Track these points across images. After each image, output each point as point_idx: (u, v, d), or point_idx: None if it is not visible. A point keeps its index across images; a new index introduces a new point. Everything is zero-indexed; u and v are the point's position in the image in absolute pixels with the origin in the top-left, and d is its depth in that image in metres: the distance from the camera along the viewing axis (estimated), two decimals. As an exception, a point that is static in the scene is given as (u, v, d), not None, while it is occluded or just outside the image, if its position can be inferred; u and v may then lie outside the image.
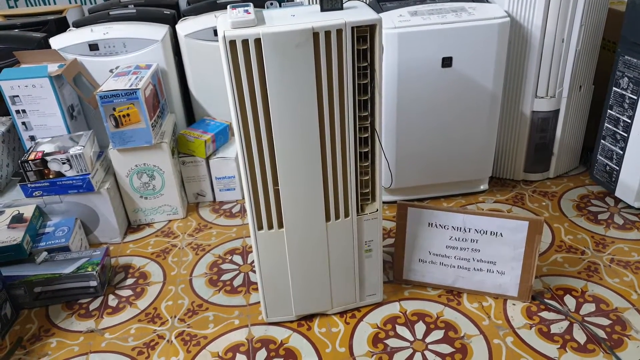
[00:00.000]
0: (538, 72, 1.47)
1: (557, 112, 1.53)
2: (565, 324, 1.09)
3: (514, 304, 1.16)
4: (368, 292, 1.17)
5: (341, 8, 0.92)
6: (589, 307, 1.13)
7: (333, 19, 0.88)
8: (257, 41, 0.85)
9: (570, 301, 1.15)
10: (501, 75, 1.40)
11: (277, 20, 0.89)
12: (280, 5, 0.99)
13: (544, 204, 1.52)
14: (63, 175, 1.36)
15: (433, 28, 1.31)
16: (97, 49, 1.54)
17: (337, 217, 1.05)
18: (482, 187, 1.60)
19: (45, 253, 1.29)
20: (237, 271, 1.33)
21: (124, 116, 1.37)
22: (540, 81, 1.48)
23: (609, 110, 1.46)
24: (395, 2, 1.45)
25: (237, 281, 1.29)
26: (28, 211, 1.36)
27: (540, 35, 1.41)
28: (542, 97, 1.50)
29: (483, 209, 1.52)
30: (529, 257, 1.13)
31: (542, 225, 1.11)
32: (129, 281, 1.32)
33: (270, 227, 1.03)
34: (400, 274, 1.24)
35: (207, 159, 1.58)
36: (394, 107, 1.39)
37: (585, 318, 1.10)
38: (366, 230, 1.09)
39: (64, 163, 1.35)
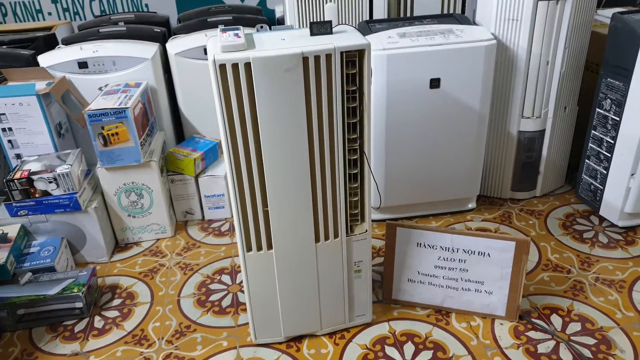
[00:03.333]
0: (524, 93, 1.49)
1: (543, 132, 1.56)
2: (552, 343, 1.10)
3: (501, 324, 1.16)
4: (357, 313, 1.16)
5: (330, 32, 0.94)
6: (574, 327, 1.14)
7: (322, 43, 0.89)
8: (247, 65, 0.86)
9: (556, 320, 1.16)
10: (488, 96, 1.42)
11: (267, 44, 0.90)
12: (270, 29, 1.00)
13: (530, 222, 1.54)
14: (49, 195, 1.35)
15: (421, 50, 1.33)
16: (87, 67, 1.53)
17: (326, 237, 1.05)
18: (470, 206, 1.61)
19: (29, 274, 1.27)
20: (226, 291, 1.32)
21: (112, 135, 1.37)
22: (526, 102, 1.51)
23: (592, 131, 1.48)
24: (385, 24, 1.48)
25: (226, 302, 1.28)
26: (12, 231, 1.34)
27: (525, 58, 1.44)
28: (528, 118, 1.53)
29: (471, 228, 1.53)
30: (516, 276, 1.14)
31: (529, 245, 1.12)
32: (116, 302, 1.30)
33: (260, 248, 1.03)
34: (390, 294, 1.24)
35: (197, 177, 1.58)
36: (383, 127, 1.41)
37: (572, 337, 1.11)
38: (355, 250, 1.09)
39: (50, 182, 1.34)
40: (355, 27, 0.99)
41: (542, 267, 1.35)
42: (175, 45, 1.60)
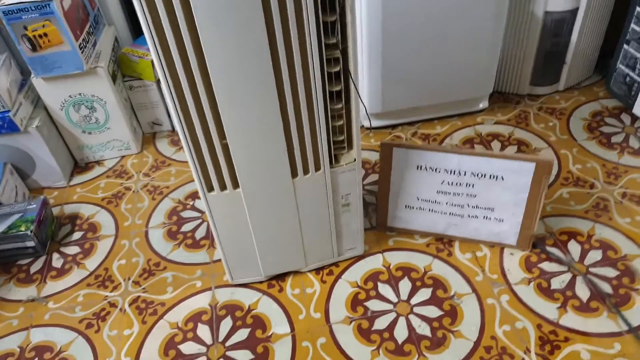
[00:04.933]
0: (556, -38, 1.18)
1: (575, 11, 1.27)
2: (568, 276, 0.96)
3: (511, 254, 1.02)
4: (347, 246, 1.01)
5: None
6: (594, 255, 0.99)
7: None
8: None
9: (574, 248, 1.01)
10: (510, -28, 1.12)
11: None
12: None
13: (550, 124, 1.32)
14: (-20, 115, 1.13)
15: None
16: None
17: (305, 171, 0.85)
18: (481, 106, 1.38)
19: (-29, 209, 1.11)
20: (200, 220, 1.16)
21: (40, 36, 1.11)
22: (558, -26, 1.20)
23: (637, 8, 1.20)
24: None
25: (200, 232, 1.13)
26: (-54, 159, 1.16)
27: None
28: (558, -5, 1.23)
29: (481, 133, 1.32)
30: (533, 202, 0.97)
31: (552, 167, 0.93)
32: (76, 235, 1.16)
33: (223, 187, 0.84)
34: (384, 222, 1.08)
35: (158, 81, 1.34)
36: (379, 21, 1.13)
37: (590, 269, 0.97)
38: (342, 183, 0.90)
39: (-24, 100, 1.11)
40: None
41: (562, 180, 1.16)
42: None
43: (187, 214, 1.18)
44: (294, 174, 0.85)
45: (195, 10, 0.63)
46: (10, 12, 1.06)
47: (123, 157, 1.37)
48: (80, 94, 1.22)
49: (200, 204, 1.20)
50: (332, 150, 0.86)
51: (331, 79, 0.78)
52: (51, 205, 1.24)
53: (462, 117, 1.38)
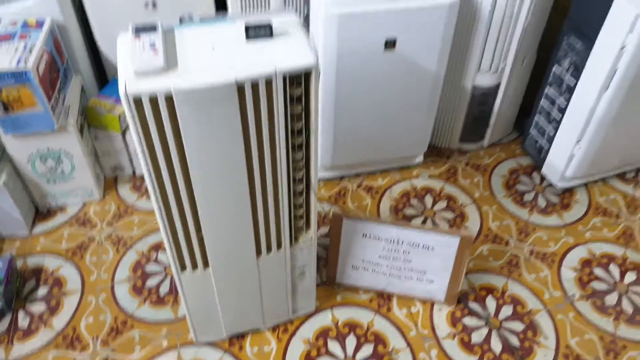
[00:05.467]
0: (484, 47, 1.37)
1: (497, 85, 1.47)
2: (485, 330, 1.16)
3: (440, 309, 1.20)
4: (301, 305, 1.15)
5: (271, 35, 0.76)
6: (506, 311, 1.20)
7: (260, 61, 0.72)
8: (169, 97, 0.70)
9: (491, 303, 1.21)
10: (446, 56, 1.29)
11: (193, 59, 0.72)
12: (193, 19, 0.80)
13: (475, 180, 1.53)
14: (-55, 174, 1.16)
15: (377, 8, 1.15)
16: (-34, 4, 1.23)
17: (268, 250, 0.98)
18: (417, 161, 1.56)
19: (-63, 267, 1.15)
20: (164, 274, 1.26)
21: (14, 100, 1.15)
22: (484, 56, 1.39)
23: (547, 87, 1.42)
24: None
25: (164, 288, 1.23)
26: None
27: (489, 10, 1.29)
28: (485, 72, 1.42)
29: (416, 187, 1.50)
30: (457, 267, 1.15)
31: (472, 241, 1.12)
32: (42, 291, 1.21)
33: (195, 267, 0.95)
34: (333, 278, 1.23)
35: (123, 132, 1.40)
36: (333, 87, 1.26)
37: (503, 323, 1.17)
38: (300, 258, 1.04)
39: (-57, 161, 1.14)
40: (299, 17, 0.81)
41: (483, 237, 1.37)
42: (79, -27, 1.29)
43: (151, 267, 1.27)
44: (258, 252, 0.98)
45: (190, 159, 0.74)
46: (-16, 79, 1.09)
47: (85, 204, 1.43)
48: (48, 148, 1.27)
49: (163, 256, 1.30)
50: (293, 231, 0.99)
51: (295, 181, 0.91)
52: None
53: (401, 170, 1.55)
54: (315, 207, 0.98)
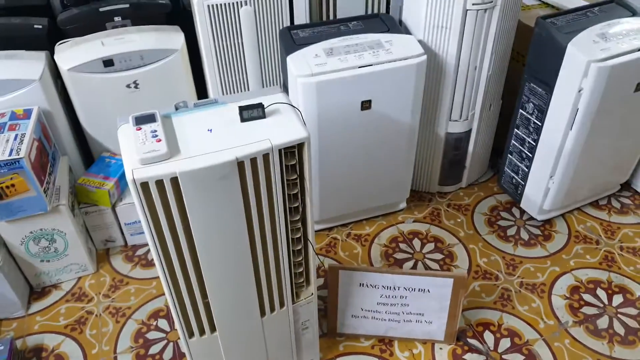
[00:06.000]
0: (452, 97, 1.47)
1: (469, 131, 1.57)
2: (486, 366, 1.20)
3: (441, 348, 1.23)
4: (305, 357, 1.18)
5: (263, 116, 0.83)
6: (505, 343, 1.24)
7: (257, 139, 0.79)
8: (174, 179, 0.75)
9: (489, 337, 1.26)
10: (418, 108, 1.38)
11: (193, 143, 0.78)
12: (188, 105, 0.86)
13: (459, 220, 1.60)
14: (-59, 263, 1.17)
15: (351, 74, 1.24)
16: (-43, 97, 1.27)
17: (272, 310, 1.02)
18: (401, 206, 1.63)
19: (-64, 359, 1.13)
20: (165, 340, 1.27)
21: (7, 187, 1.18)
22: (454, 106, 1.49)
23: (515, 129, 1.52)
24: (308, 31, 1.34)
25: (167, 354, 1.24)
26: None
27: (454, 64, 1.40)
28: (456, 120, 1.52)
29: (403, 231, 1.56)
30: (454, 306, 1.20)
31: (466, 280, 1.17)
32: (45, 370, 1.21)
33: (202, 333, 0.98)
34: (334, 329, 1.26)
35: (113, 206, 1.43)
36: (316, 148, 1.33)
37: (503, 356, 1.22)
38: (302, 313, 1.07)
39: (-60, 251, 1.15)
40: (285, 95, 0.88)
41: (473, 274, 1.42)
42: (66, 59, 1.36)
43: (152, 335, 1.28)
44: (263, 313, 1.01)
45: (195, 232, 0.79)
46: (-21, 169, 1.13)
47: (79, 278, 1.43)
48: (41, 229, 1.29)
49: (163, 323, 1.31)
50: (294, 289, 1.03)
51: (294, 241, 0.95)
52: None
53: (386, 216, 1.62)
54: (314, 263, 1.02)
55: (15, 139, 1.20)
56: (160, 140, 0.76)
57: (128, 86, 1.41)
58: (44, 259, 1.36)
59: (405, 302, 1.21)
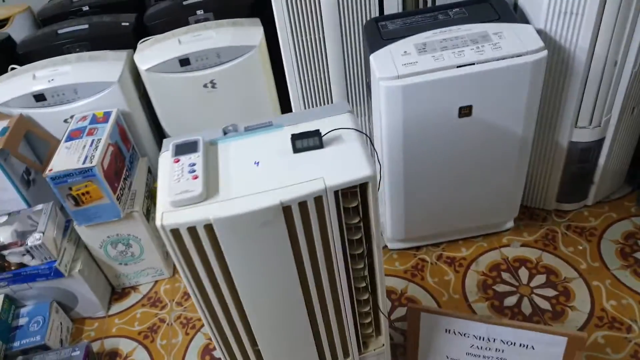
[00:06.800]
0: (580, 100, 1.18)
1: (601, 140, 1.26)
2: None
3: (544, 416, 1.01)
4: (377, 406, 1.03)
5: (321, 146, 0.67)
6: (633, 420, 0.98)
7: (309, 178, 0.63)
8: (209, 226, 0.63)
9: (610, 409, 1.00)
10: (533, 117, 1.13)
11: (235, 180, 0.65)
12: (238, 129, 0.73)
13: (580, 247, 1.31)
14: (26, 265, 1.20)
15: (447, 75, 1.02)
16: (45, 99, 1.29)
17: (334, 360, 0.88)
18: (507, 226, 1.38)
19: (20, 358, 1.17)
20: None
21: (83, 194, 1.17)
22: (582, 110, 1.20)
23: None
24: (399, 22, 1.14)
25: (232, 377, 1.16)
26: (-5, 304, 1.22)
27: (586, 59, 1.11)
28: (583, 127, 1.23)
29: (507, 258, 1.32)
30: (565, 370, 0.96)
31: (584, 342, 0.93)
32: (117, 378, 1.21)
33: (256, 380, 0.87)
34: (414, 374, 1.09)
35: (191, 210, 1.38)
36: (400, 160, 1.14)
37: None
38: (371, 363, 0.92)
39: (24, 254, 1.18)
40: (351, 116, 0.71)
41: (596, 321, 1.15)
42: (144, 59, 1.31)
43: (219, 354, 1.22)
44: (324, 363, 0.88)
45: (238, 284, 0.67)
46: (57, 177, 1.12)
47: (156, 282, 1.42)
48: (117, 234, 1.28)
49: (232, 342, 1.24)
50: (360, 338, 0.88)
51: (359, 289, 0.80)
52: (92, 338, 1.30)
53: (488, 237, 1.38)
54: (385, 307, 0.86)
55: (91, 144, 1.18)
56: (196, 177, 0.64)
57: (205, 86, 1.33)
58: (122, 262, 1.35)
59: (502, 357, 1.00)
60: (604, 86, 1.15)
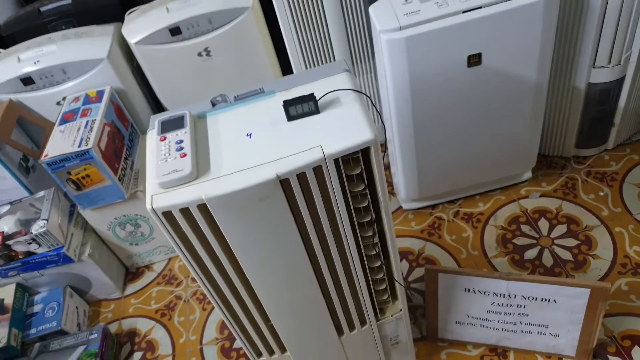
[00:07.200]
0: (598, 37, 1.10)
1: (621, 80, 1.18)
2: (635, 397, 0.93)
3: (571, 368, 0.99)
4: (398, 369, 1.01)
5: (317, 111, 0.62)
6: (663, 368, 0.95)
7: (305, 147, 0.59)
8: (202, 205, 0.59)
9: (639, 356, 0.97)
10: (548, 61, 1.05)
11: (227, 155, 0.61)
12: (228, 99, 0.68)
13: (601, 194, 1.26)
14: (34, 253, 1.19)
15: (453, 22, 0.95)
16: (33, 83, 1.24)
17: (351, 328, 0.85)
18: (525, 177, 1.33)
19: (37, 345, 1.18)
20: (250, 334, 1.19)
21: (83, 178, 1.14)
22: (600, 48, 1.11)
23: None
24: (398, -33, 1.06)
25: (252, 350, 1.16)
26: (8, 294, 1.22)
27: (602, -8, 1.02)
28: (602, 67, 1.15)
29: (527, 209, 1.27)
30: (590, 322, 0.93)
31: (608, 292, 0.89)
32: (137, 356, 1.21)
33: (271, 353, 0.85)
34: (435, 334, 1.07)
35: (196, 185, 1.35)
36: (409, 116, 1.09)
37: (660, 386, 0.93)
38: (390, 329, 0.89)
39: (30, 243, 1.16)
40: (349, 76, 0.66)
41: (619, 267, 1.11)
42: (132, 31, 1.25)
43: (238, 326, 1.21)
44: (340, 332, 0.85)
45: (242, 260, 0.63)
46: (54, 163, 1.09)
47: (170, 259, 1.41)
48: (124, 215, 1.26)
49: (249, 314, 1.22)
50: (376, 305, 0.85)
51: (371, 256, 0.76)
52: (109, 320, 1.30)
53: (505, 190, 1.33)
54: (401, 277, 0.83)
55: (85, 126, 1.14)
56: (185, 155, 0.60)
57: (199, 55, 1.27)
58: (133, 242, 1.34)
59: (524, 312, 0.97)
60: (623, 20, 1.06)
